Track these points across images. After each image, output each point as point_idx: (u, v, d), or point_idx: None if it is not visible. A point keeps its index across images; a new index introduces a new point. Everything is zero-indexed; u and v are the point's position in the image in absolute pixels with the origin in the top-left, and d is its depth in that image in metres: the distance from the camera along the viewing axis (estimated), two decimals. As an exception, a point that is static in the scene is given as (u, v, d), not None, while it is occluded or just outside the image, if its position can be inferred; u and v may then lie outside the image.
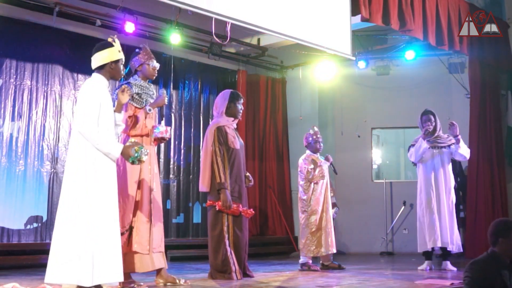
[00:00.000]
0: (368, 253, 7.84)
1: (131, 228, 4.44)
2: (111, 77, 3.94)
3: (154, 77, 4.79)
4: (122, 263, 3.75)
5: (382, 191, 9.55)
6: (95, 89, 3.78)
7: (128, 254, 4.35)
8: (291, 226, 9.39)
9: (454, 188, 6.46)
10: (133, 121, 4.53)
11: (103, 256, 3.59)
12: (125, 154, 3.78)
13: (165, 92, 4.80)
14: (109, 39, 3.93)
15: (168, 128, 4.68)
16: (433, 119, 6.30)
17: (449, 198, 6.23)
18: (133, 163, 3.81)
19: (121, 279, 3.73)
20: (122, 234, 4.30)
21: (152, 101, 4.69)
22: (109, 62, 3.87)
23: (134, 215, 4.46)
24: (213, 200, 5.14)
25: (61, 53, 7.17)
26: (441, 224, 6.13)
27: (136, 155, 3.76)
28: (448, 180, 6.27)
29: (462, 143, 6.25)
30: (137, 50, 4.77)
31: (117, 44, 3.93)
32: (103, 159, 3.71)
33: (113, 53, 3.89)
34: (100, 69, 3.89)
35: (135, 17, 7.30)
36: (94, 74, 3.90)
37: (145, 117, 4.59)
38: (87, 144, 3.67)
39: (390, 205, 9.56)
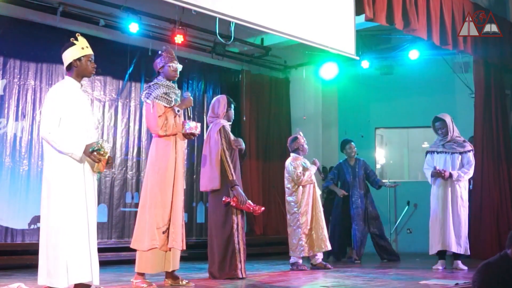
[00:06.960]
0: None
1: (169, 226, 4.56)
2: (80, 75, 3.90)
3: (176, 78, 4.86)
4: (98, 263, 3.76)
5: (385, 191, 9.52)
6: (57, 92, 3.77)
7: (164, 252, 4.53)
8: (295, 226, 9.36)
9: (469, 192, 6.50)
10: (164, 121, 4.61)
11: (76, 256, 3.61)
12: (87, 151, 3.69)
13: (189, 94, 4.90)
14: (72, 38, 3.91)
15: (198, 124, 4.75)
16: (442, 126, 6.36)
17: (458, 203, 6.22)
18: (92, 152, 3.67)
19: (94, 279, 3.71)
20: (163, 232, 4.50)
21: (179, 100, 4.79)
22: (72, 61, 3.85)
23: (171, 212, 4.58)
24: (227, 197, 5.17)
25: (65, 53, 7.15)
26: (448, 228, 6.16)
27: (97, 142, 3.69)
28: (458, 184, 6.27)
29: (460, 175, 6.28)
30: (159, 52, 4.88)
31: (80, 42, 3.90)
32: (68, 162, 3.68)
33: (75, 51, 3.87)
34: (68, 70, 3.90)
35: (138, 16, 7.32)
36: (65, 77, 3.91)
37: (174, 117, 4.67)
38: (51, 148, 3.68)
39: (394, 205, 9.53)
